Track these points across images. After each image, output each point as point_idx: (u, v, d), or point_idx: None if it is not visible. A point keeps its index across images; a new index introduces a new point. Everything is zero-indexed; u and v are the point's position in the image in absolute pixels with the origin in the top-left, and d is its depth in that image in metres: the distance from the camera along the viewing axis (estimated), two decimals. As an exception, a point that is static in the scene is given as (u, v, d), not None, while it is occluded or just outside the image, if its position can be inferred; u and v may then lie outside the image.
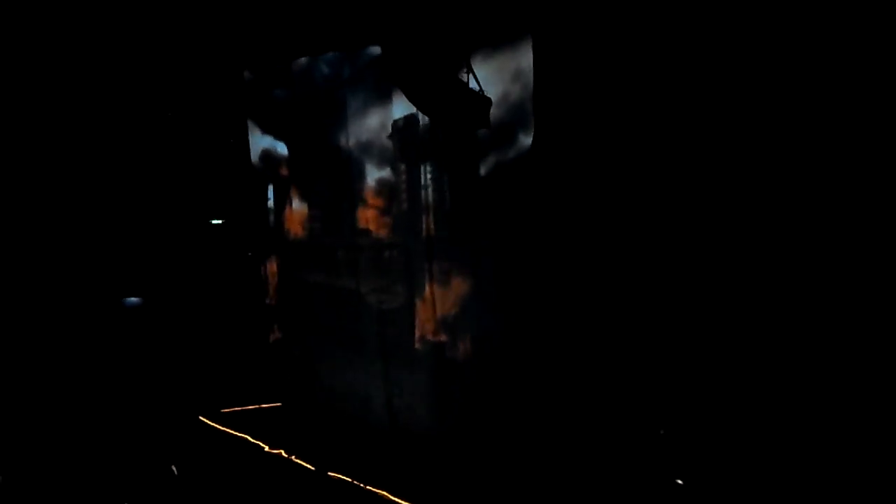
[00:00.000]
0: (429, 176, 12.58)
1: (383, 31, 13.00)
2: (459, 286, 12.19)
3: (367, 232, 13.94)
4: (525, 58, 10.80)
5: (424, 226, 12.63)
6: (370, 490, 12.04)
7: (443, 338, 12.55)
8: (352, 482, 12.38)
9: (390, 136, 13.30)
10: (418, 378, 12.83)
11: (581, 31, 10.08)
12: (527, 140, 11.04)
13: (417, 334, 12.96)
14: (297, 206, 15.95)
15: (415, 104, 12.60)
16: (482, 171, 11.60)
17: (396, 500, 11.70)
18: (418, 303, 12.84)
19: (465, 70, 11.60)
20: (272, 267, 17.05)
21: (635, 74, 9.71)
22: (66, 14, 17.24)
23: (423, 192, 12.65)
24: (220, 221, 19.04)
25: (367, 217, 13.89)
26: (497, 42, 11.25)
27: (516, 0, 10.89)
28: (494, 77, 11.34)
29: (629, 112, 9.83)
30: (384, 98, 13.27)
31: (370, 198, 13.84)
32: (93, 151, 18.07)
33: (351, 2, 13.43)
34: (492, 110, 11.32)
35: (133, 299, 18.14)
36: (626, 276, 10.22)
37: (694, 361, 9.79)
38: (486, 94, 11.31)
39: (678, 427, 9.99)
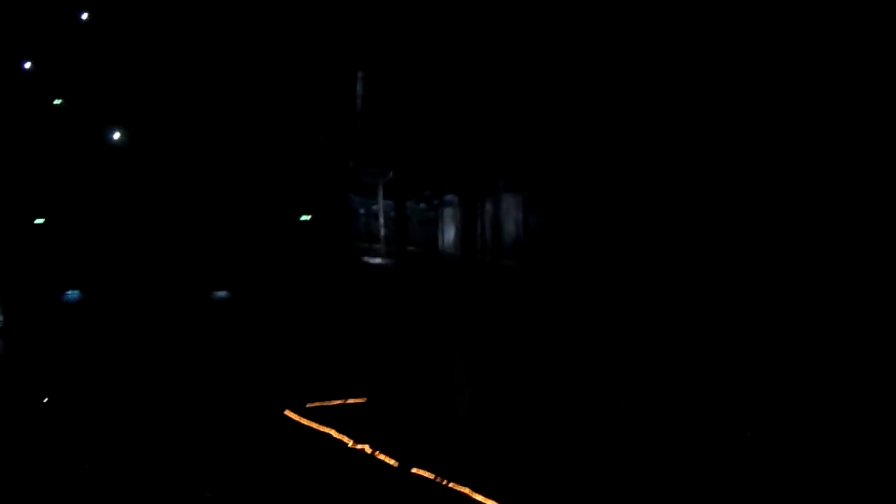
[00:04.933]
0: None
1: None
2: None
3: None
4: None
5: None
6: (453, 487, 11.81)
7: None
8: (434, 479, 12.16)
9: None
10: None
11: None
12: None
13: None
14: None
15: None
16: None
17: (479, 498, 11.45)
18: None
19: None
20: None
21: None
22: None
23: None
24: (307, 217, 19.01)
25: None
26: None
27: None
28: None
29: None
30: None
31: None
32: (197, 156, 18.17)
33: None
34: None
35: (221, 293, 18.20)
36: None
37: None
38: None
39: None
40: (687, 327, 10.96)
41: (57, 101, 17.80)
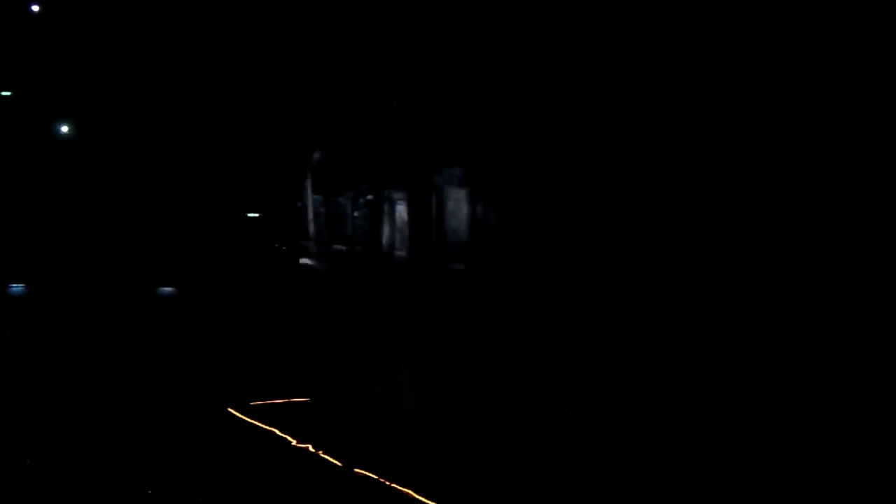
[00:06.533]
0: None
1: None
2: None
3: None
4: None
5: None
6: (395, 488, 11.98)
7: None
8: (378, 479, 12.32)
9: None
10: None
11: None
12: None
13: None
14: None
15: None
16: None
17: (421, 499, 11.63)
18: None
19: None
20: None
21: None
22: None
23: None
24: (255, 215, 19.04)
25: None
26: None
27: None
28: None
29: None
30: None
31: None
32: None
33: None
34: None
35: (166, 289, 18.18)
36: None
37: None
38: None
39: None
40: (635, 331, 11.19)
41: (5, 93, 17.70)
